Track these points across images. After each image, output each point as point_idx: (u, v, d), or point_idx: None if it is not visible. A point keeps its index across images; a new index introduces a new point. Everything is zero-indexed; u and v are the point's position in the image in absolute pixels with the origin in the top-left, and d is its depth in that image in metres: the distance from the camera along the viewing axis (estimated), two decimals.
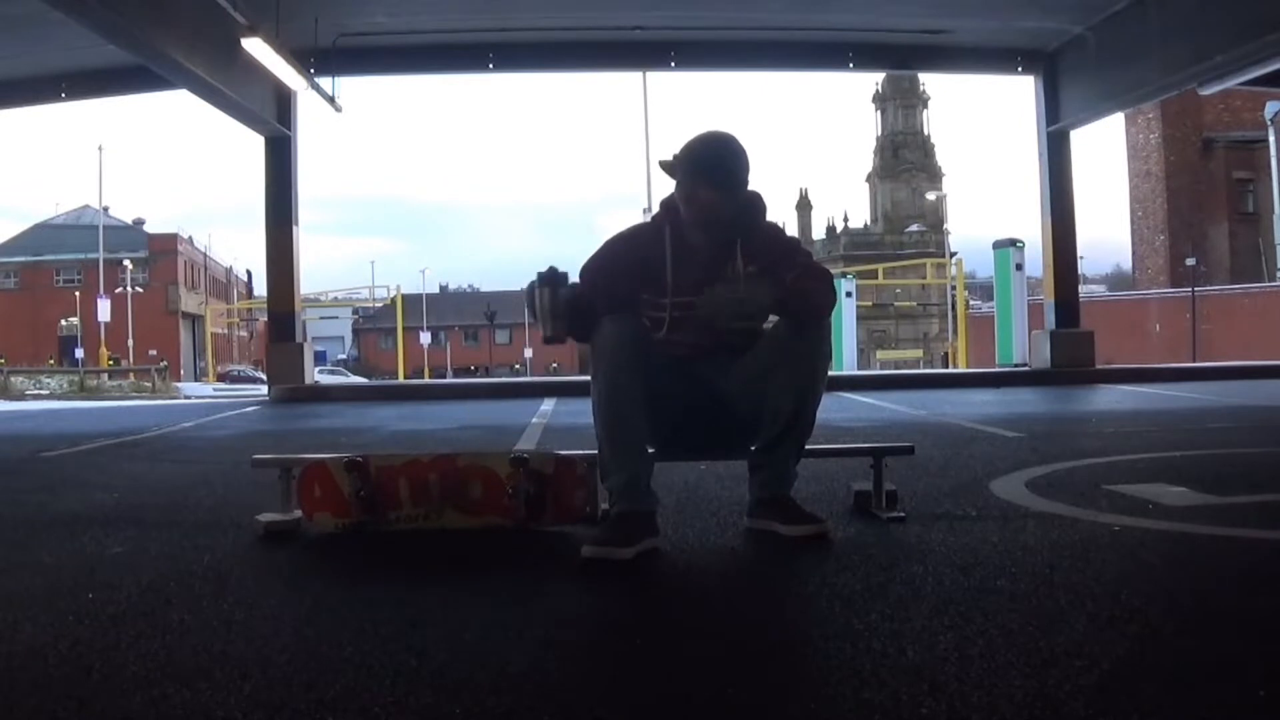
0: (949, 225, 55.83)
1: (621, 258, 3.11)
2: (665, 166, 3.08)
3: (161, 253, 57.40)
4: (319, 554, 3.11)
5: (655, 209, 3.24)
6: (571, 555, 2.83)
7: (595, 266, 3.10)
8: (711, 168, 2.99)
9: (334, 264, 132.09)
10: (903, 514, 3.33)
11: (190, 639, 2.17)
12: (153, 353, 44.59)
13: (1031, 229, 15.97)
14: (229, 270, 69.98)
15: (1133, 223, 43.44)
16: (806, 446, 3.15)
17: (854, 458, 3.74)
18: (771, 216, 3.24)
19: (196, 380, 45.24)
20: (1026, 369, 13.95)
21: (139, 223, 60.53)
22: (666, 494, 3.21)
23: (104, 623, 2.30)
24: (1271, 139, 32.77)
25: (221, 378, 44.83)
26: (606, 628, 2.37)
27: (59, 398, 23.82)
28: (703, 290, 2.95)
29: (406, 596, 2.56)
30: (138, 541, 3.28)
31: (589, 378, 3.00)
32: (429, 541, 3.14)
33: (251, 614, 2.36)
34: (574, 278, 3.04)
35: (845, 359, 20.93)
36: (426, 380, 30.97)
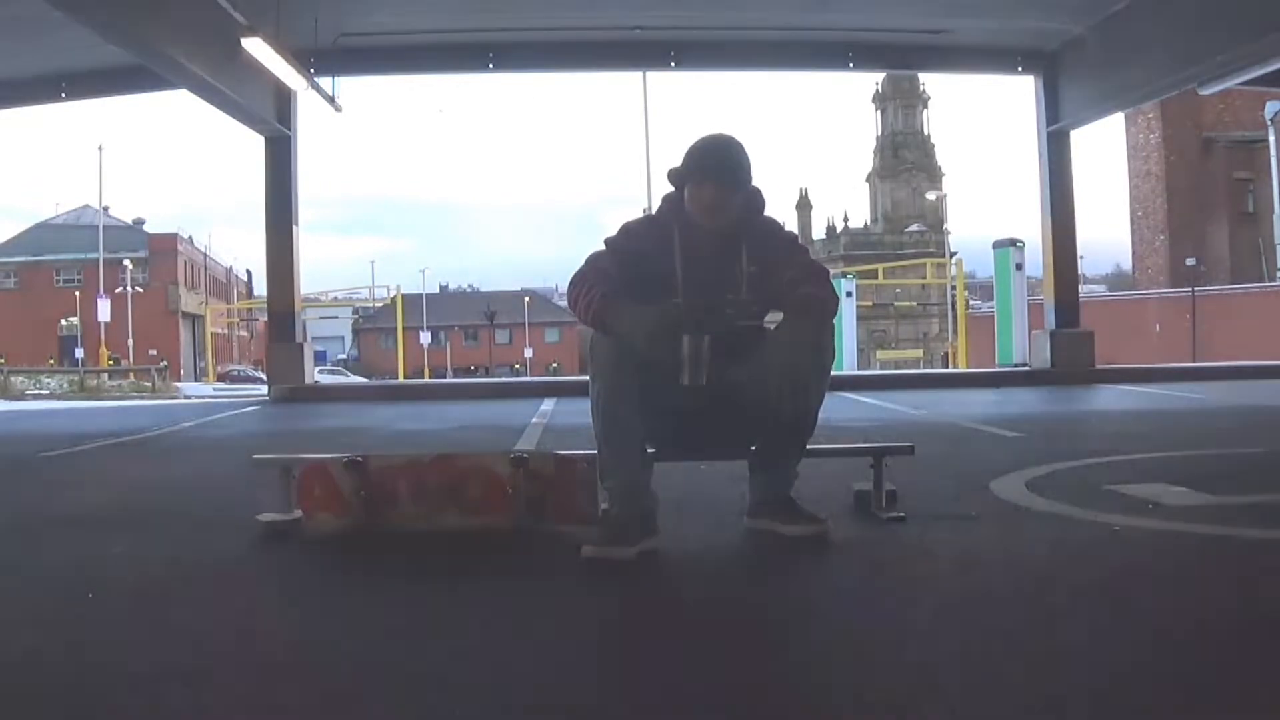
0: (949, 225, 55.91)
1: (627, 251, 3.09)
2: (671, 176, 3.11)
3: (161, 253, 57.37)
4: (319, 554, 3.11)
5: (655, 209, 3.25)
6: (571, 555, 2.83)
7: (607, 262, 3.07)
8: (715, 165, 3.05)
9: (334, 264, 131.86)
10: (903, 514, 3.33)
11: (190, 639, 2.17)
12: (153, 352, 44.55)
13: (1031, 229, 15.96)
14: (229, 270, 69.96)
15: (1133, 223, 43.46)
16: (807, 446, 3.16)
17: (854, 458, 3.74)
18: (770, 213, 3.25)
19: (196, 380, 45.25)
20: (1026, 369, 13.94)
21: (139, 223, 60.52)
22: (666, 494, 3.21)
23: (104, 623, 2.30)
24: (1271, 139, 32.77)
25: (221, 377, 44.83)
26: (606, 628, 2.37)
27: (59, 398, 23.81)
28: (710, 289, 3.00)
29: (406, 596, 2.56)
30: (138, 541, 3.28)
31: (588, 378, 3.00)
32: (429, 541, 3.14)
33: (251, 614, 2.36)
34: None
35: (845, 359, 20.98)
36: (426, 380, 30.96)
